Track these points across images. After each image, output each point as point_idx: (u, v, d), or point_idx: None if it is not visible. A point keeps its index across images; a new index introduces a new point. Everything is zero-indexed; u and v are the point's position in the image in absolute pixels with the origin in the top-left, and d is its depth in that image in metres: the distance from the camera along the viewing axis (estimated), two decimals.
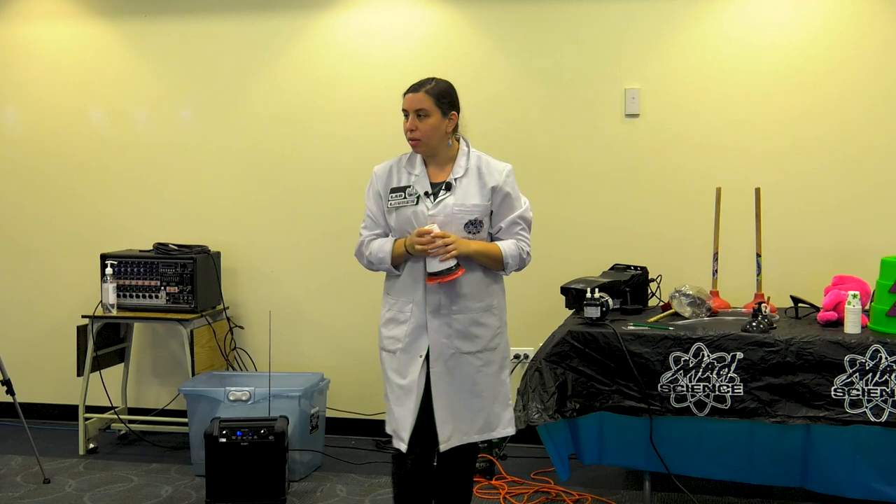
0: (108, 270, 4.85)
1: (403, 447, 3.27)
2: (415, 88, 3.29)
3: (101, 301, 4.84)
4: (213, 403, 4.46)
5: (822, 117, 4.65)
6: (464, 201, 3.27)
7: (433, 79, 3.32)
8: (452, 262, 3.19)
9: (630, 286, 4.33)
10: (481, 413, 3.34)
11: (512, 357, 4.98)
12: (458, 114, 3.34)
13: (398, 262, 3.32)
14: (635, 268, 4.55)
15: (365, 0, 5.07)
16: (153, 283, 4.91)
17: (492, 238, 3.35)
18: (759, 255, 4.39)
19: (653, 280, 4.57)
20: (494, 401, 3.37)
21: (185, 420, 4.67)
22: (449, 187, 3.29)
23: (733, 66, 4.72)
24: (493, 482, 4.41)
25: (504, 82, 4.96)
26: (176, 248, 5.03)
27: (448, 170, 3.33)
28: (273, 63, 5.18)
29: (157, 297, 4.91)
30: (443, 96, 3.28)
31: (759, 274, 4.38)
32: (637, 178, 4.85)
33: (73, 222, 5.43)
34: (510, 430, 3.43)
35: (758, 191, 4.43)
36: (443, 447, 3.29)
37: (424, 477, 3.36)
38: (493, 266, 3.33)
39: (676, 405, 3.76)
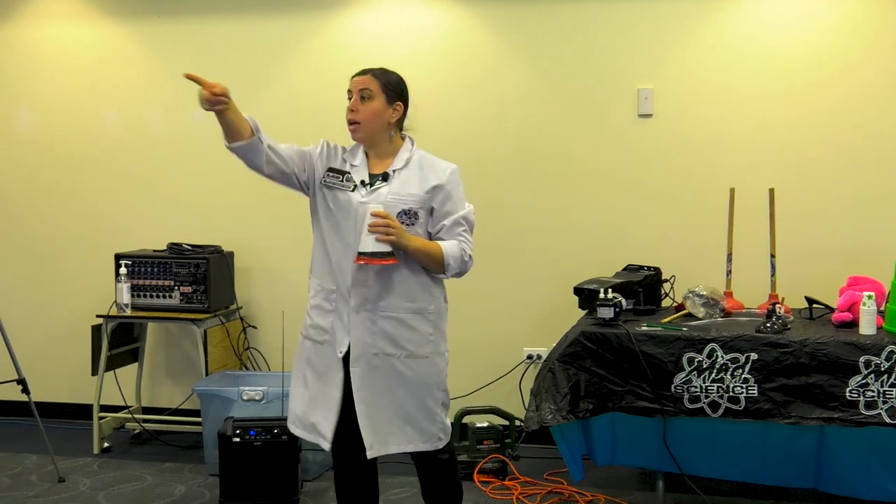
0: (123, 270, 4.87)
1: (326, 445, 3.14)
2: (363, 72, 3.18)
3: (116, 301, 4.86)
4: (227, 403, 4.47)
5: (836, 117, 4.63)
6: (399, 191, 3.10)
7: (383, 68, 3.22)
8: (387, 248, 2.98)
9: (643, 287, 4.33)
10: (407, 424, 3.14)
11: (525, 358, 4.99)
12: (406, 108, 3.21)
13: (227, 130, 3.14)
14: (648, 268, 4.54)
15: (377, 1, 5.08)
16: (167, 282, 4.93)
17: (431, 238, 3.16)
18: (773, 256, 4.38)
19: (666, 281, 4.56)
20: (423, 415, 3.15)
21: (199, 419, 4.69)
22: (386, 178, 3.14)
23: (747, 65, 4.71)
24: (505, 482, 4.41)
25: (516, 83, 4.96)
26: (189, 248, 5.05)
27: (388, 163, 3.18)
28: (285, 63, 5.19)
29: (170, 296, 4.93)
30: (391, 84, 3.16)
31: (773, 274, 4.36)
32: (650, 179, 4.84)
33: (88, 223, 5.46)
34: (438, 445, 3.20)
35: (772, 191, 4.41)
36: (369, 454, 3.12)
37: (364, 478, 3.28)
38: (433, 267, 3.12)
39: (690, 406, 3.75)
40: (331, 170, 3.19)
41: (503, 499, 4.26)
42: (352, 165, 3.18)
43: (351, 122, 3.14)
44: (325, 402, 3.14)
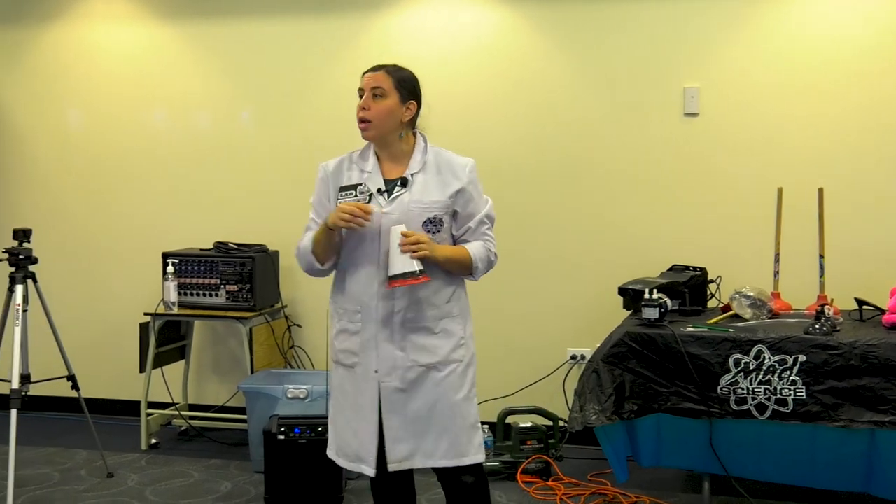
0: (170, 269, 4.93)
1: (370, 471, 2.99)
2: (374, 68, 3.03)
3: (163, 299, 4.92)
4: (272, 401, 4.51)
5: (886, 115, 4.55)
6: (421, 198, 2.95)
7: (396, 64, 3.07)
8: (418, 266, 2.87)
9: (689, 287, 4.29)
10: (445, 434, 2.98)
11: (569, 358, 4.97)
12: (419, 106, 3.05)
13: (321, 249, 2.99)
14: (694, 269, 4.51)
15: (422, 1, 5.09)
16: (213, 281, 4.98)
17: (455, 240, 3.04)
18: (821, 257, 4.32)
19: (712, 281, 4.52)
20: (462, 422, 3.00)
21: (244, 417, 4.73)
22: (405, 183, 2.98)
23: (795, 63, 4.65)
24: (549, 483, 4.40)
25: (561, 82, 4.94)
26: (235, 247, 5.10)
27: (403, 165, 3.01)
28: (331, 63, 5.22)
29: (216, 295, 4.98)
30: (404, 81, 3.01)
31: (821, 275, 4.30)
32: (696, 178, 4.80)
33: (137, 222, 5.53)
34: (480, 458, 3.04)
35: (820, 191, 4.35)
36: (392, 467, 2.99)
37: (401, 482, 3.14)
38: (462, 273, 3.03)
39: (736, 408, 3.71)
40: (341, 189, 3.03)
41: (546, 499, 4.24)
42: (363, 172, 3.03)
43: (362, 121, 3.00)
44: (364, 429, 3.01)
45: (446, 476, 3.08)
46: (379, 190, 2.99)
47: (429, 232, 2.94)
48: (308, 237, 3.06)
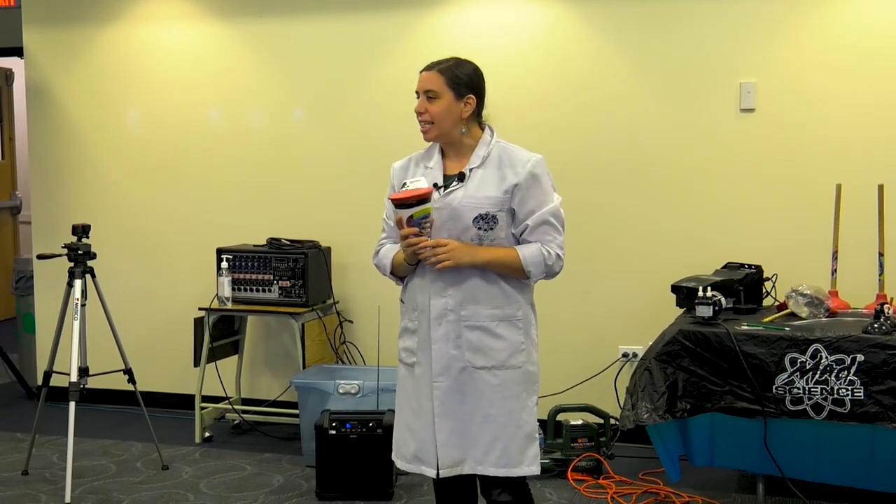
0: (224, 265, 4.99)
1: (431, 472, 2.92)
2: (428, 67, 2.94)
3: (217, 294, 4.98)
4: (323, 396, 4.54)
5: None
6: (475, 193, 2.86)
7: (453, 58, 2.97)
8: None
9: (744, 285, 4.23)
10: (497, 442, 2.88)
11: (620, 356, 4.93)
12: (478, 98, 2.94)
13: (400, 271, 3.00)
14: (749, 266, 4.44)
15: None
16: (266, 277, 5.03)
17: (516, 240, 2.93)
18: (881, 255, 4.23)
19: (768, 279, 4.45)
20: (515, 430, 2.89)
21: (296, 411, 4.77)
22: (462, 178, 2.90)
23: (855, 56, 4.55)
24: (600, 481, 4.37)
25: (616, 79, 4.90)
26: (288, 243, 5.14)
27: (466, 160, 2.94)
28: (383, 61, 5.24)
29: (269, 290, 5.02)
30: (458, 78, 2.91)
31: (881, 274, 4.21)
32: (752, 175, 4.73)
33: (192, 218, 5.61)
34: (534, 469, 2.92)
35: (881, 187, 4.26)
36: (443, 473, 2.90)
37: (465, 484, 3.04)
38: (515, 275, 2.90)
39: (792, 408, 3.65)
40: (404, 186, 2.95)
41: (597, 497, 4.22)
42: (426, 168, 2.99)
43: (421, 124, 2.95)
44: (424, 430, 2.93)
45: (487, 487, 2.96)
46: (436, 185, 2.91)
47: (480, 229, 2.86)
48: (385, 251, 3.03)
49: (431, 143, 3.01)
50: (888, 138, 4.53)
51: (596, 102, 4.92)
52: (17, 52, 6.04)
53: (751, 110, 4.71)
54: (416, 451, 2.95)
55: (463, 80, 2.92)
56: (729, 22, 4.71)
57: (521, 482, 2.95)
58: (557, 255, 2.91)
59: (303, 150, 5.41)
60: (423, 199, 2.80)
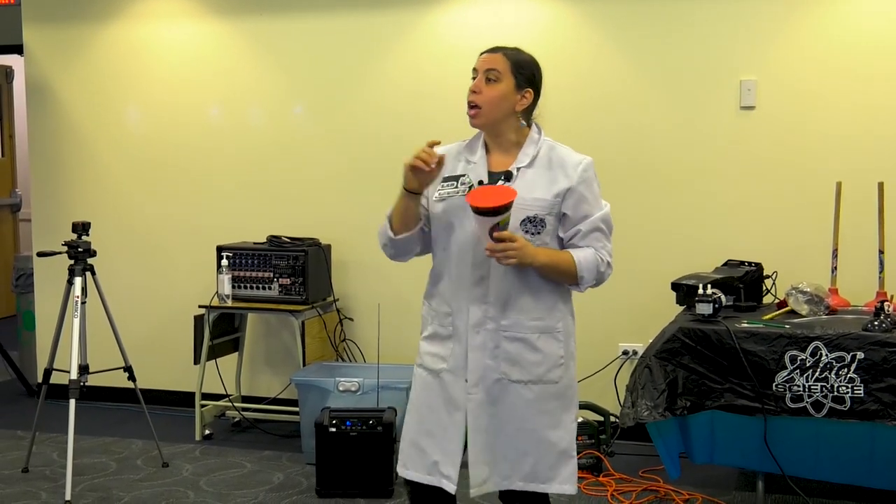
0: (224, 262, 4.99)
1: (452, 487, 2.71)
2: (493, 49, 2.75)
3: (217, 292, 4.98)
4: (324, 393, 4.54)
5: None
6: (524, 194, 2.65)
7: (517, 47, 2.78)
8: None
9: (744, 283, 4.23)
10: (527, 457, 2.71)
11: (620, 353, 4.93)
12: (536, 96, 2.77)
13: (397, 214, 2.72)
14: (749, 264, 4.44)
15: None
16: (266, 274, 5.03)
17: (562, 245, 2.75)
18: (881, 252, 4.23)
19: (768, 277, 4.45)
20: (548, 446, 2.72)
21: (296, 409, 4.77)
22: (509, 177, 2.70)
23: (855, 54, 4.55)
24: (600, 479, 4.38)
25: (616, 77, 4.90)
26: (288, 240, 5.14)
27: (512, 158, 2.74)
28: (382, 59, 5.24)
29: (270, 288, 5.03)
30: (522, 66, 2.72)
31: (881, 271, 4.21)
32: (752, 172, 4.73)
33: (192, 215, 5.61)
34: (567, 489, 2.74)
35: (881, 185, 4.26)
36: (473, 492, 2.71)
37: None
38: (566, 280, 2.72)
39: (792, 405, 3.65)
40: (444, 180, 2.75)
41: (597, 495, 4.22)
42: (468, 162, 2.76)
43: (471, 106, 2.71)
44: (450, 442, 2.72)
45: (507, 502, 2.79)
46: (480, 182, 2.71)
47: (527, 233, 2.66)
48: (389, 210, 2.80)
49: (475, 135, 2.81)
50: (888, 136, 4.53)
51: (595, 100, 4.92)
52: (17, 49, 6.03)
53: (751, 108, 4.71)
54: (440, 463, 2.73)
55: (525, 71, 2.74)
56: (729, 20, 4.71)
57: (545, 500, 2.79)
58: (608, 262, 2.76)
59: (303, 147, 5.41)
60: (511, 203, 2.58)
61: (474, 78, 2.73)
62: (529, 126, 2.80)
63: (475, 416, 2.70)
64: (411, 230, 2.75)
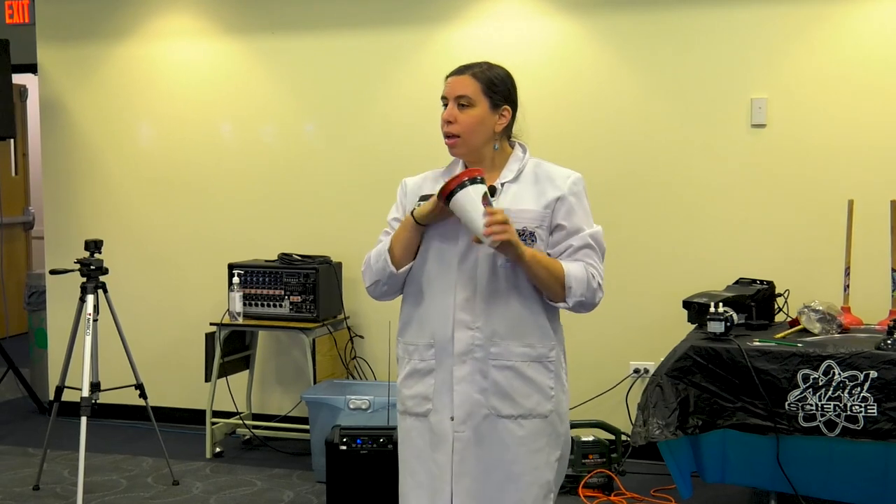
0: (235, 280, 5.00)
1: None
2: (459, 70, 2.56)
3: (228, 309, 4.99)
4: (334, 411, 4.54)
5: None
6: (510, 206, 2.49)
7: (486, 62, 2.59)
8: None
9: (756, 301, 4.21)
10: (512, 499, 2.53)
11: (632, 371, 4.92)
12: (514, 111, 2.61)
13: (401, 246, 2.54)
14: (761, 282, 4.43)
15: (486, 14, 5.10)
16: (277, 292, 5.04)
17: None
18: (894, 270, 4.20)
19: (780, 295, 4.43)
20: (538, 491, 2.54)
21: (307, 427, 4.77)
22: (493, 192, 2.50)
23: (866, 72, 4.55)
24: (611, 498, 4.36)
25: (626, 94, 4.90)
26: (299, 258, 5.16)
27: (496, 175, 2.57)
28: (394, 76, 5.26)
29: (280, 305, 5.03)
30: (494, 84, 2.54)
31: (893, 290, 4.19)
32: (764, 190, 4.72)
33: (204, 233, 5.63)
34: None
35: (893, 203, 4.24)
36: None
37: None
38: (552, 288, 2.49)
39: (805, 424, 3.63)
40: (421, 198, 2.59)
41: None
42: None
43: (448, 136, 2.55)
44: (442, 491, 2.56)
45: None
46: (493, 188, 2.54)
47: None
48: (383, 244, 2.62)
49: (453, 160, 2.66)
50: None
51: (607, 118, 4.93)
52: (32, 68, 6.08)
53: (762, 126, 4.71)
54: None
55: (499, 88, 2.57)
56: (739, 37, 4.72)
57: None
58: (599, 283, 2.54)
59: (314, 165, 5.42)
60: (478, 177, 2.42)
61: (445, 105, 2.56)
62: (510, 142, 2.65)
63: (461, 458, 2.53)
64: (411, 262, 2.58)
